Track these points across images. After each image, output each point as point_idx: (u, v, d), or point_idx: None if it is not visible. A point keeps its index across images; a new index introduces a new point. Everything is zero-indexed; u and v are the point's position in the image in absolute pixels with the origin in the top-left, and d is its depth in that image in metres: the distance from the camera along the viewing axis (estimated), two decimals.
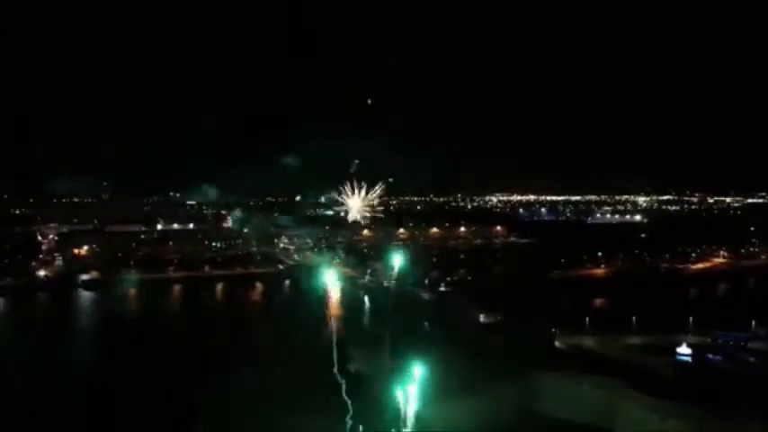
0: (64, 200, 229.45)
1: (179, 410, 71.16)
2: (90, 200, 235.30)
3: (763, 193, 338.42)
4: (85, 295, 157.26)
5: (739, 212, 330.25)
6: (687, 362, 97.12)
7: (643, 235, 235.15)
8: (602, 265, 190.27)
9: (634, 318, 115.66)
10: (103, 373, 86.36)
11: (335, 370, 53.43)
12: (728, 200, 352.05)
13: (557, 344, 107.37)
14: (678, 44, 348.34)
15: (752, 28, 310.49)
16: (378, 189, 48.47)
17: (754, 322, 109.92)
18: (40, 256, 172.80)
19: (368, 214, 50.30)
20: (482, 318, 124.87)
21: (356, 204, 49.06)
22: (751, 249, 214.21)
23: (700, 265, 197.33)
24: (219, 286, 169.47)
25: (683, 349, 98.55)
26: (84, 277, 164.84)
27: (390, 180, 49.89)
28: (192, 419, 67.89)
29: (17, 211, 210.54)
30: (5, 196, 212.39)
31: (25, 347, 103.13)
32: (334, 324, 58.95)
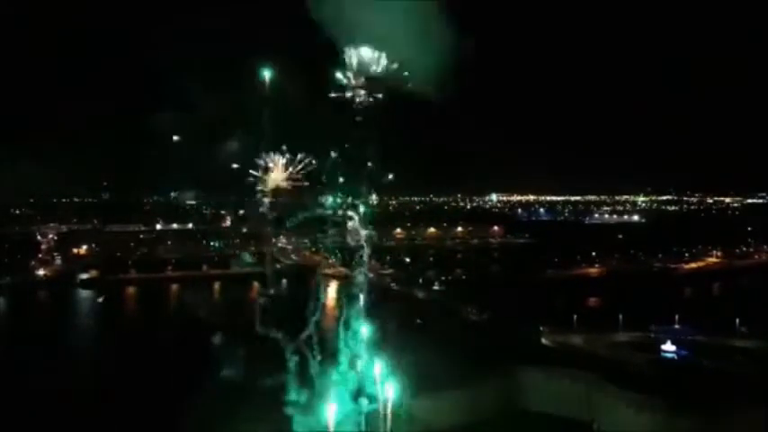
0: (64, 200, 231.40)
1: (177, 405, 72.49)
2: (90, 200, 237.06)
3: (763, 194, 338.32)
4: (84, 294, 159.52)
5: (738, 213, 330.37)
6: (672, 358, 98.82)
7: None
8: (597, 265, 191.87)
9: (621, 316, 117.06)
10: (93, 367, 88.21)
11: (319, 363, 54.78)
12: (728, 200, 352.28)
13: (544, 341, 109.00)
14: (678, 43, 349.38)
15: (751, 29, 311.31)
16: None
17: (738, 320, 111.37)
18: (40, 256, 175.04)
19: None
20: (472, 316, 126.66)
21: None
22: (745, 249, 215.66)
23: (693, 265, 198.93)
24: (216, 285, 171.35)
25: (668, 346, 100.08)
26: (83, 276, 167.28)
27: (391, 177, 49.89)
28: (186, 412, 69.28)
29: (17, 211, 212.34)
30: (5, 196, 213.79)
31: (21, 344, 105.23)
32: (324, 320, 60.12)
